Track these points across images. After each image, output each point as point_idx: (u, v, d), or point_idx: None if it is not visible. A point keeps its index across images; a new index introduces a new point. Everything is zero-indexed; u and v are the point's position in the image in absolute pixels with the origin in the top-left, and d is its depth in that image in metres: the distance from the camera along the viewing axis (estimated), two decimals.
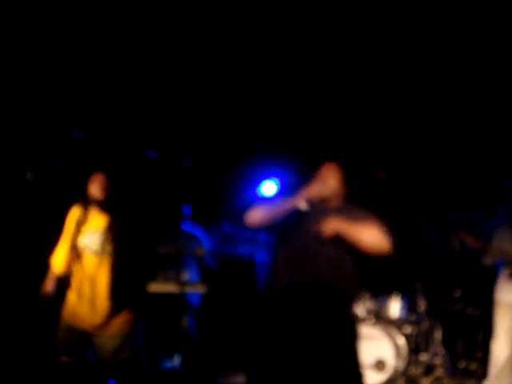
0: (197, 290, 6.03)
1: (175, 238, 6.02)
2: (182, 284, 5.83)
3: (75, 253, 4.03)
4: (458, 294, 5.94)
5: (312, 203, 3.56)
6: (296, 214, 3.57)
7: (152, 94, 6.05)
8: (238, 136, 6.57)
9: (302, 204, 3.53)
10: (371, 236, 3.51)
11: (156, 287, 5.96)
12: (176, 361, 6.05)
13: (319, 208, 3.59)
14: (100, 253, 4.00)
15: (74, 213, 4.12)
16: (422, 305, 5.86)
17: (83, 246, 4.04)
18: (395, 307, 5.91)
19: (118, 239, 4.03)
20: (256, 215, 3.61)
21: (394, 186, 6.99)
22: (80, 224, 4.05)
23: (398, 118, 6.38)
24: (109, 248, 4.00)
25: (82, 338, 3.98)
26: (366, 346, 5.57)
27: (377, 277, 6.21)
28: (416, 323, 5.82)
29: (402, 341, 5.67)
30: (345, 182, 3.68)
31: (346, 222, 3.44)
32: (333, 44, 5.25)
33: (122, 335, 3.99)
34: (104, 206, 4.05)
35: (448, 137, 6.56)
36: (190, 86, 5.98)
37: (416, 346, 5.79)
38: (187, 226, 6.27)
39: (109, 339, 3.97)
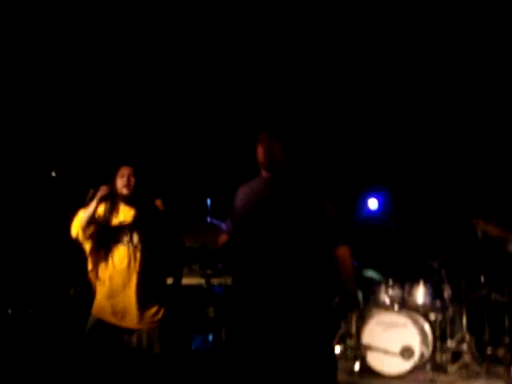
0: (222, 282, 6.07)
1: (200, 230, 6.06)
2: (207, 276, 5.88)
3: (105, 245, 4.04)
4: (482, 279, 5.90)
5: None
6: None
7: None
8: None
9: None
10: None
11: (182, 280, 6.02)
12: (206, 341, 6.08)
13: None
14: (130, 245, 4.03)
15: (102, 206, 4.08)
16: (446, 291, 5.85)
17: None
18: (420, 294, 5.90)
19: (146, 231, 4.04)
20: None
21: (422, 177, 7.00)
22: (109, 216, 4.06)
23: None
24: (138, 240, 4.01)
25: (114, 332, 3.96)
26: (392, 334, 5.62)
27: (401, 264, 6.22)
28: (441, 310, 5.82)
29: (427, 328, 5.67)
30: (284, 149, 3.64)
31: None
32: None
33: (153, 329, 4.00)
34: (131, 199, 4.07)
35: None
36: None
37: (442, 332, 5.79)
38: (212, 219, 6.31)
39: (141, 333, 3.95)
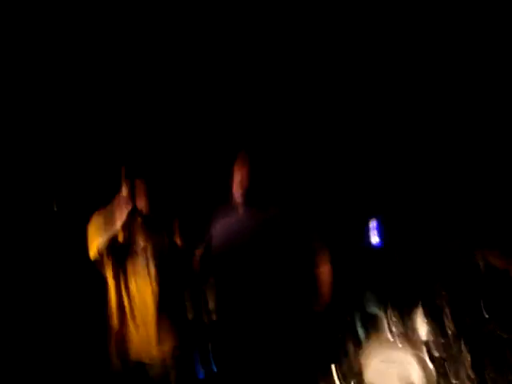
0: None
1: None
2: (208, 312, 5.81)
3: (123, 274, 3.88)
4: (486, 315, 5.84)
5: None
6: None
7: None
8: None
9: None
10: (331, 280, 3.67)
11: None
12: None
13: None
14: (148, 277, 3.88)
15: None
16: (450, 327, 5.78)
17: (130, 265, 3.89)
18: (423, 330, 5.84)
19: (162, 258, 3.93)
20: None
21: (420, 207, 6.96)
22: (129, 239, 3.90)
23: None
24: (155, 272, 3.89)
25: (136, 367, 3.89)
26: (395, 371, 5.55)
27: (404, 300, 6.16)
28: (445, 347, 5.75)
29: (431, 365, 5.60)
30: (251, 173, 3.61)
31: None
32: None
33: (170, 358, 3.89)
34: (149, 219, 3.89)
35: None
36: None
37: (445, 369, 5.71)
38: None
39: (159, 365, 3.86)
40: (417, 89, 5.68)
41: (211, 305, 6.06)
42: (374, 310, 6.13)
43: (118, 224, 3.65)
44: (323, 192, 6.69)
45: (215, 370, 5.81)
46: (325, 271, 3.54)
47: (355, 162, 6.99)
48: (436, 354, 5.68)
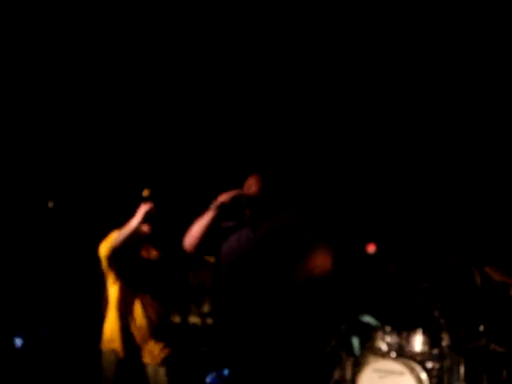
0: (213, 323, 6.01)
1: (195, 268, 6.03)
2: (203, 315, 5.82)
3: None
4: (481, 328, 5.83)
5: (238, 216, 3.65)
6: (223, 231, 3.65)
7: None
8: None
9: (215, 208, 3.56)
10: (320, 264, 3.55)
11: (177, 318, 5.95)
12: None
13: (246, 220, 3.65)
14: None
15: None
16: (445, 340, 5.77)
17: None
18: (418, 342, 5.82)
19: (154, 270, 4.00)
20: (188, 240, 3.66)
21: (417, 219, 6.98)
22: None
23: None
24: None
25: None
26: (388, 382, 5.52)
27: (399, 311, 6.15)
28: (439, 359, 5.73)
29: (424, 376, 5.58)
30: (265, 189, 3.65)
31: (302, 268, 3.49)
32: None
33: (160, 365, 3.94)
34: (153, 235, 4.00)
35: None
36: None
37: (439, 381, 5.68)
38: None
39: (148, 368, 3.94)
40: (415, 97, 5.72)
41: (206, 308, 6.09)
42: (369, 319, 6.11)
43: (137, 219, 3.69)
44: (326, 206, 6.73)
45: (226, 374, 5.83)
46: (320, 255, 3.51)
47: (353, 179, 7.03)
48: (429, 365, 5.66)
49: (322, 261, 3.56)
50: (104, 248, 3.90)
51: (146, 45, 5.22)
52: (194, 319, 6.02)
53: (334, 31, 4.76)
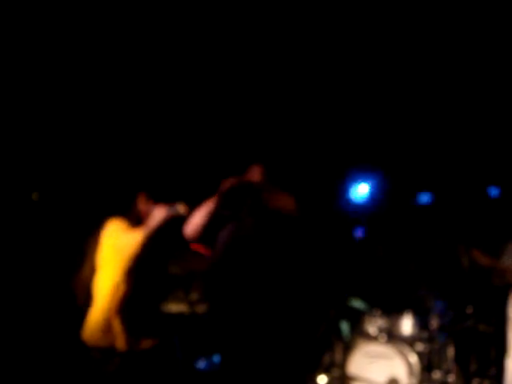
0: (205, 309, 5.99)
1: (184, 257, 6.00)
2: (192, 304, 5.80)
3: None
4: (469, 310, 5.87)
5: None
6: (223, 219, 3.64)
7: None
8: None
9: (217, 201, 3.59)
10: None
11: (165, 307, 5.93)
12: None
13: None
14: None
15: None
16: (433, 322, 5.80)
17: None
18: (407, 325, 5.84)
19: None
20: (190, 227, 3.68)
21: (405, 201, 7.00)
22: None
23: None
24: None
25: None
26: (378, 365, 5.55)
27: (388, 294, 6.17)
28: (428, 341, 5.76)
29: (414, 359, 5.62)
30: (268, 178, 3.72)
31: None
32: None
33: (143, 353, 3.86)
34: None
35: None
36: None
37: (429, 363, 5.72)
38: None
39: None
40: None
41: (194, 297, 6.07)
42: (358, 303, 6.13)
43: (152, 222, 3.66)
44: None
45: (217, 361, 5.81)
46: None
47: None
48: (419, 348, 5.70)
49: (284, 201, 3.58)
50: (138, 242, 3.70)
51: (146, 45, 5.16)
52: (182, 307, 5.99)
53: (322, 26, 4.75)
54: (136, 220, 3.78)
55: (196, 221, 3.67)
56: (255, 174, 3.70)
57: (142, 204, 3.84)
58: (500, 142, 6.46)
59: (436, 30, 4.93)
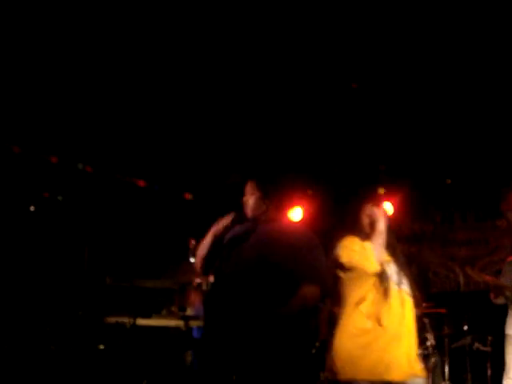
0: (201, 324, 5.94)
1: (179, 271, 5.97)
2: (186, 318, 5.75)
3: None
4: (465, 328, 5.84)
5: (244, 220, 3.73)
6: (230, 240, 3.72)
7: (153, 128, 6.08)
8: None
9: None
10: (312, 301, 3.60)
11: (160, 322, 5.89)
12: None
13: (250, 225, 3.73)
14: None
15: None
16: (429, 339, 5.76)
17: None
18: None
19: None
20: (196, 262, 3.83)
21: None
22: None
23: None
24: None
25: None
26: None
27: None
28: (424, 358, 5.71)
29: None
30: (265, 197, 3.75)
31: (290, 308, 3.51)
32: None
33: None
34: None
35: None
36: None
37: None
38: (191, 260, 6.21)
39: None
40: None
41: (189, 311, 6.04)
42: None
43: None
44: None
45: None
46: (303, 291, 3.57)
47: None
48: None
49: (311, 293, 3.57)
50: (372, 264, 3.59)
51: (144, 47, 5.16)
52: (176, 322, 5.95)
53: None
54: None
55: (200, 254, 3.80)
56: (250, 194, 3.77)
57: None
58: None
59: (452, 48, 4.94)
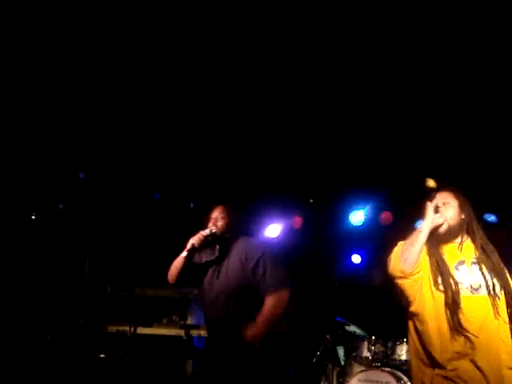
0: (201, 333, 5.96)
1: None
2: (187, 327, 5.77)
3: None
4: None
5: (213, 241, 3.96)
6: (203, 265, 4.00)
7: (157, 136, 6.09)
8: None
9: (190, 246, 3.90)
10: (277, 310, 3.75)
11: (160, 330, 5.91)
12: None
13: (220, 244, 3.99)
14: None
15: None
16: None
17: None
18: (403, 351, 5.80)
19: None
20: (169, 275, 3.99)
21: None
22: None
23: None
24: None
25: None
26: None
27: (383, 321, 6.14)
28: None
29: None
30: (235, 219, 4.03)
31: (258, 328, 3.66)
32: None
33: None
34: None
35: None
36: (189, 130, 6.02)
37: None
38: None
39: None
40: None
41: (190, 321, 6.06)
42: (354, 329, 6.10)
43: None
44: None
45: None
46: (266, 305, 3.72)
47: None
48: None
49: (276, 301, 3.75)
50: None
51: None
52: (177, 331, 5.97)
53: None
54: None
55: (172, 270, 3.97)
56: (219, 218, 3.98)
57: None
58: None
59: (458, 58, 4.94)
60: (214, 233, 3.93)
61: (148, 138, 6.01)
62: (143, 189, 6.36)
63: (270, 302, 3.72)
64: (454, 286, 3.13)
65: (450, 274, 3.18)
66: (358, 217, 7.02)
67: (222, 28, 4.60)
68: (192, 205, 6.78)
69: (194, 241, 3.86)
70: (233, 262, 3.87)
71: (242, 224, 4.12)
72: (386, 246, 3.47)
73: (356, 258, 7.30)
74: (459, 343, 3.08)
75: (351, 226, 7.07)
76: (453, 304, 3.10)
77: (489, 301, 3.16)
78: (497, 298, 3.17)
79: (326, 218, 7.21)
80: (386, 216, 6.93)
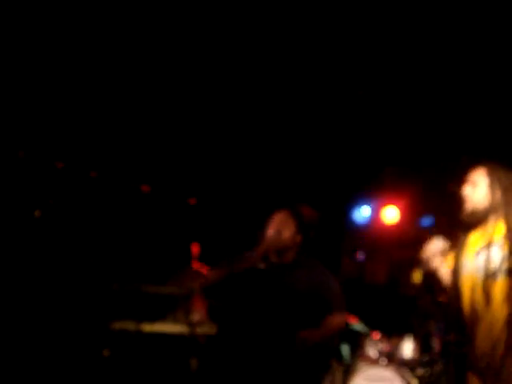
0: (206, 330, 5.95)
1: (184, 277, 5.98)
2: (191, 325, 5.76)
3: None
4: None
5: (268, 259, 3.62)
6: (251, 274, 3.66)
7: (154, 131, 6.09)
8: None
9: (259, 263, 3.60)
10: (337, 327, 3.80)
11: (165, 328, 5.90)
12: None
13: (276, 264, 3.65)
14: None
15: None
16: (435, 346, 5.75)
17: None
18: (408, 349, 5.80)
19: None
20: (203, 281, 3.81)
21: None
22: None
23: None
24: None
25: None
26: None
27: (389, 318, 6.13)
28: (429, 365, 5.71)
29: (415, 383, 5.56)
30: (299, 231, 3.66)
31: (316, 333, 3.63)
32: None
33: None
34: None
35: None
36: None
37: None
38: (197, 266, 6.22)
39: None
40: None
41: (195, 317, 6.04)
42: (359, 326, 6.08)
43: None
44: None
45: None
46: (333, 319, 3.65)
47: None
48: (420, 372, 5.64)
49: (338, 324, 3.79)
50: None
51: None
52: (182, 328, 5.96)
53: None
54: None
55: (209, 278, 3.81)
56: (285, 228, 3.67)
57: None
58: None
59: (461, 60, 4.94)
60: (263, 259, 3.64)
61: (148, 136, 6.02)
62: (150, 186, 6.35)
63: (337, 318, 3.70)
64: None
65: None
66: (364, 212, 7.00)
67: (221, 26, 4.61)
68: (195, 201, 6.77)
69: (248, 262, 3.61)
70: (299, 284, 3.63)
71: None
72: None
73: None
74: None
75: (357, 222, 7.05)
76: None
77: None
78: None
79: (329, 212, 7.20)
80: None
